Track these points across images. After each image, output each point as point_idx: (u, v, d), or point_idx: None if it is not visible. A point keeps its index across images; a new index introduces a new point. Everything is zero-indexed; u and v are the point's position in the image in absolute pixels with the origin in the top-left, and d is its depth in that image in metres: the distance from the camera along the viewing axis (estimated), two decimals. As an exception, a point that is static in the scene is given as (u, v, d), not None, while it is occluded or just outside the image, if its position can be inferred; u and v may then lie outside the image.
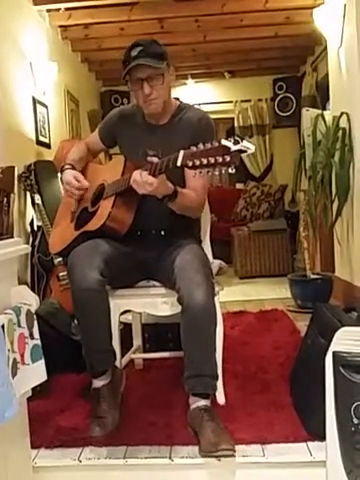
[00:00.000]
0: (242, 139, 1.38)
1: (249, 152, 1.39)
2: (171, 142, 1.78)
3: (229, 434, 1.57)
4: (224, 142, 1.38)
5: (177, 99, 1.99)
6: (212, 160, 1.39)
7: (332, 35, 3.39)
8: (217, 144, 1.40)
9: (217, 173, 1.42)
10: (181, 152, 1.48)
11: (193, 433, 1.62)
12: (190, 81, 6.37)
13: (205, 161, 1.40)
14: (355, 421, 1.27)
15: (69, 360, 2.13)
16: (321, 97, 4.39)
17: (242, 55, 5.69)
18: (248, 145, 1.37)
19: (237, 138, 1.38)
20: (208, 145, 1.42)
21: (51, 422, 1.81)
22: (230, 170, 1.40)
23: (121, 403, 1.77)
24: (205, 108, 6.24)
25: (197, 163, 1.42)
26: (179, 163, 1.48)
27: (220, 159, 1.38)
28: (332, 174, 3.24)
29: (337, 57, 3.43)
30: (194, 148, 1.44)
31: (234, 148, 1.37)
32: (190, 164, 1.43)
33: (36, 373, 1.35)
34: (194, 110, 1.97)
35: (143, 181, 1.62)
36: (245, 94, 6.51)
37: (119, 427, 1.66)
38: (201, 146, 1.43)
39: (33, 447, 1.60)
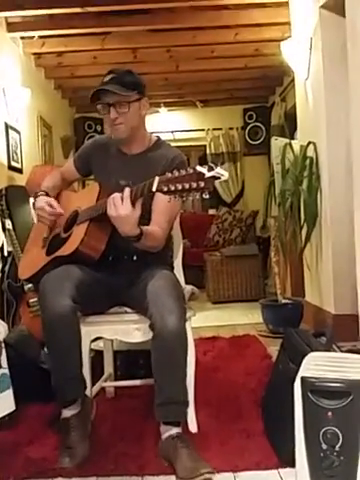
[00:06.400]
0: (216, 166, 1.42)
1: (223, 179, 1.42)
2: (143, 173, 1.79)
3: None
4: (199, 168, 1.42)
5: (157, 136, 2.03)
6: (187, 186, 1.42)
7: (299, 67, 3.51)
8: (192, 171, 1.43)
9: (191, 198, 1.45)
10: (156, 178, 1.50)
11: (167, 463, 1.61)
12: (163, 109, 6.49)
13: (180, 186, 1.43)
14: (324, 447, 1.28)
15: (38, 389, 2.08)
16: (289, 126, 4.51)
17: (213, 85, 5.84)
18: (222, 172, 1.41)
19: (211, 165, 1.42)
20: (183, 171, 1.44)
21: (19, 453, 1.76)
22: (204, 196, 1.43)
23: (91, 433, 1.75)
24: (178, 136, 6.41)
25: (172, 188, 1.44)
26: (154, 188, 1.50)
27: (194, 185, 1.41)
28: (300, 201, 3.32)
29: (304, 89, 3.55)
30: (169, 174, 1.47)
31: (208, 174, 1.40)
32: (165, 189, 1.46)
33: (4, 403, 1.32)
34: (170, 149, 2.00)
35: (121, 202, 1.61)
36: (217, 122, 6.67)
37: (89, 457, 1.63)
38: (176, 172, 1.46)
39: (0, 479, 1.55)
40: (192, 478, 1.48)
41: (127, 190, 1.61)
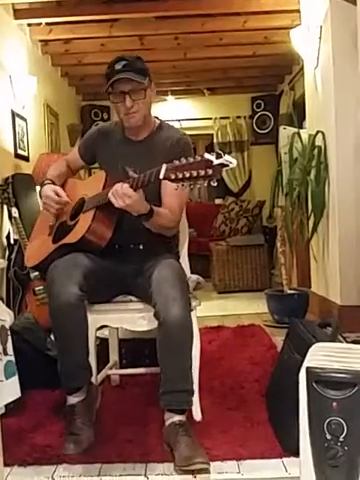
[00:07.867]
0: (224, 153, 1.41)
1: (231, 166, 1.41)
2: (149, 158, 1.80)
3: (204, 449, 1.57)
4: (207, 156, 1.41)
5: (157, 118, 2.02)
6: (195, 173, 1.41)
7: (308, 55, 3.47)
8: (200, 158, 1.42)
9: (199, 186, 1.44)
10: (164, 165, 1.50)
11: (168, 449, 1.62)
12: (170, 97, 6.45)
13: (188, 174, 1.42)
14: (328, 437, 1.28)
15: (44, 376, 2.10)
16: (298, 115, 4.47)
17: (221, 73, 5.79)
18: (230, 159, 1.40)
19: (219, 152, 1.41)
20: (191, 159, 1.44)
21: (25, 439, 1.78)
22: (212, 183, 1.42)
23: (96, 420, 1.76)
24: (185, 124, 6.38)
25: (180, 176, 1.44)
26: (162, 176, 1.49)
27: (203, 172, 1.40)
28: (308, 191, 3.30)
29: (313, 77, 3.51)
30: (177, 162, 1.46)
31: (216, 162, 1.39)
32: (173, 177, 1.45)
33: (10, 390, 1.33)
34: (174, 130, 2.00)
35: (122, 192, 1.63)
36: (224, 111, 6.62)
37: (94, 444, 1.64)
38: (184, 160, 1.45)
39: (6, 465, 1.56)
40: (187, 466, 1.49)
41: (126, 185, 1.64)
